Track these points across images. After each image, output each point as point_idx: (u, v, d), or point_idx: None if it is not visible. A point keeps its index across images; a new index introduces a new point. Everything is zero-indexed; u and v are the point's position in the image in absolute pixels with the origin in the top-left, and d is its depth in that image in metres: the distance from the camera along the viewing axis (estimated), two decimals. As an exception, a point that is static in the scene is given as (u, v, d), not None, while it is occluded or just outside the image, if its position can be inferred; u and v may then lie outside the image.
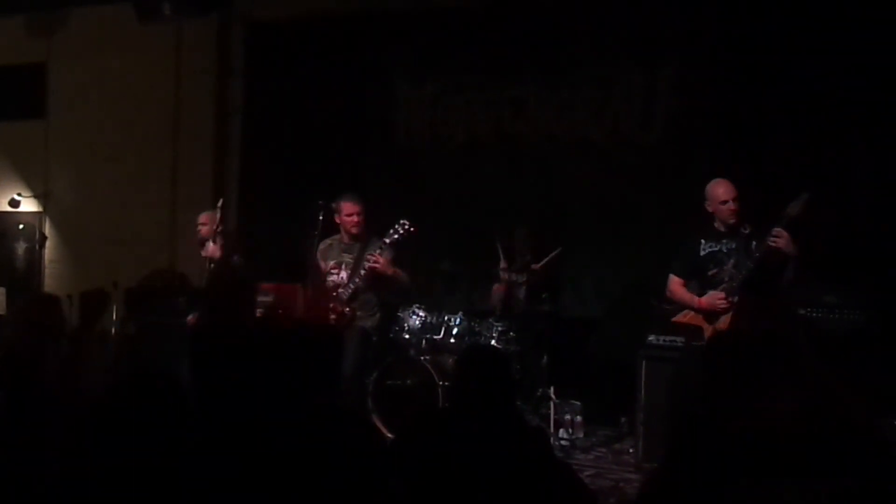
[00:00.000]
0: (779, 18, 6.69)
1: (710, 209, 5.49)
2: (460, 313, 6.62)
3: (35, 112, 9.75)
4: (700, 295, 5.48)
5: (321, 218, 6.38)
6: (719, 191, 5.45)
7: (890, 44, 6.25)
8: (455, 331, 6.56)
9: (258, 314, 6.18)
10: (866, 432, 2.28)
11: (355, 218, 6.31)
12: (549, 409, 6.54)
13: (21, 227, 9.88)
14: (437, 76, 8.07)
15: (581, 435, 6.61)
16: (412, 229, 6.16)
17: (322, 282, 6.35)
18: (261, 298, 6.56)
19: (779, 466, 1.90)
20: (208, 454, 2.54)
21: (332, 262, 6.40)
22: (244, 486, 2.57)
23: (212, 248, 6.73)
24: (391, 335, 6.67)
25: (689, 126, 7.09)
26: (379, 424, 5.97)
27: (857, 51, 6.35)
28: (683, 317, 5.59)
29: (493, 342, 6.47)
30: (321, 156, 8.32)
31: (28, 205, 9.77)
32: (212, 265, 6.68)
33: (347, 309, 6.22)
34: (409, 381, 6.25)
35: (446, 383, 5.95)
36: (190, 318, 6.45)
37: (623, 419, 6.68)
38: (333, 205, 6.41)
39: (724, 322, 5.35)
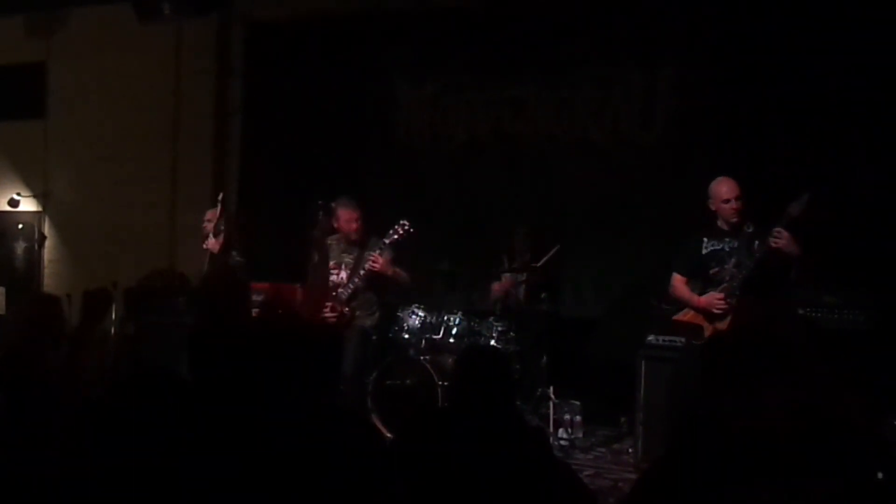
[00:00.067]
0: (778, 18, 6.69)
1: (712, 208, 5.47)
2: (460, 313, 6.62)
3: (35, 112, 9.75)
4: (701, 293, 5.48)
5: (321, 217, 6.39)
6: (722, 189, 5.42)
7: (890, 43, 6.25)
8: (454, 331, 6.56)
9: (254, 314, 6.19)
10: (864, 432, 2.27)
11: (353, 224, 6.33)
12: (549, 408, 6.54)
13: (20, 226, 9.88)
14: (437, 76, 8.07)
15: (580, 435, 6.61)
16: (412, 230, 6.16)
17: (324, 280, 6.34)
18: (254, 298, 6.56)
19: (775, 466, 1.90)
20: (208, 454, 2.53)
21: (331, 263, 6.40)
22: (244, 486, 2.57)
23: (212, 243, 6.74)
24: (391, 335, 6.67)
25: (688, 126, 7.10)
26: (378, 424, 5.96)
27: (857, 50, 6.35)
28: (684, 315, 5.59)
29: (492, 342, 6.47)
30: (321, 156, 8.33)
31: (27, 204, 9.78)
32: (210, 261, 6.68)
33: (347, 309, 6.23)
34: (408, 381, 6.25)
35: (446, 383, 5.94)
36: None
37: (623, 419, 6.68)
38: (333, 204, 6.41)
39: (725, 322, 5.35)
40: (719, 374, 2.04)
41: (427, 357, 6.34)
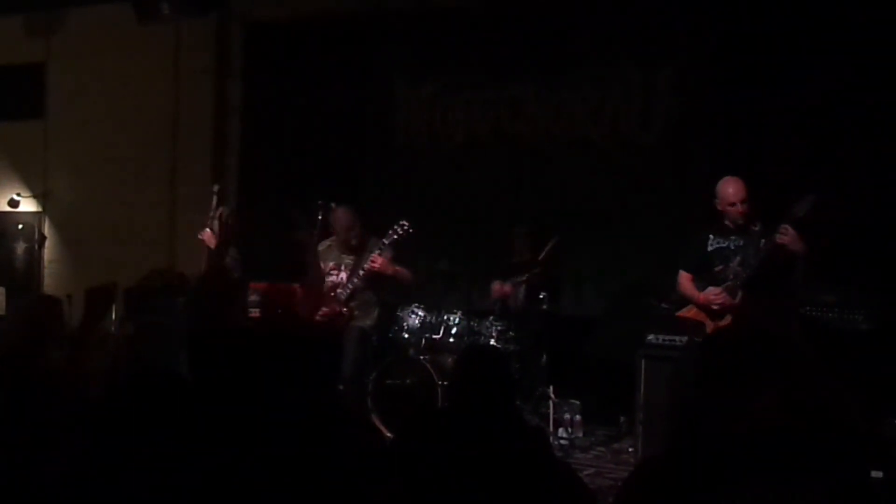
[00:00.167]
0: (778, 18, 6.69)
1: (718, 208, 5.46)
2: (459, 313, 6.62)
3: (34, 112, 9.74)
4: (707, 289, 5.48)
5: (320, 218, 6.39)
6: (728, 191, 5.38)
7: (890, 43, 6.25)
8: (454, 330, 6.56)
9: (252, 314, 6.20)
10: (861, 432, 2.27)
11: (352, 241, 6.34)
12: (549, 408, 6.55)
13: (20, 227, 9.87)
14: (436, 76, 8.08)
15: (580, 434, 6.62)
16: (411, 230, 6.17)
17: (319, 280, 6.35)
18: (252, 298, 6.56)
19: (772, 465, 1.90)
20: (207, 455, 2.54)
21: (331, 263, 6.41)
22: (243, 486, 2.57)
23: (207, 235, 6.73)
24: (390, 335, 6.67)
25: (687, 126, 7.10)
26: (378, 424, 5.97)
27: (857, 50, 6.36)
28: (687, 312, 5.60)
29: (492, 341, 6.48)
30: (320, 155, 8.33)
31: (27, 205, 9.77)
32: (207, 257, 6.68)
33: (345, 309, 6.23)
34: (408, 381, 6.25)
35: (445, 383, 5.94)
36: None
37: (622, 418, 6.68)
38: (333, 205, 6.42)
39: (727, 319, 5.35)
40: (717, 372, 2.03)
41: (427, 357, 6.34)
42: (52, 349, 3.62)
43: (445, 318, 6.59)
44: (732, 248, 5.42)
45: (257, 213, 8.45)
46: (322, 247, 6.45)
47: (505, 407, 3.08)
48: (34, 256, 9.76)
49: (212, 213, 6.78)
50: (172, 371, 2.66)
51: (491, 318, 6.72)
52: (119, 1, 8.77)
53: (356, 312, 6.31)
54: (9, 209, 9.72)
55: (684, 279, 5.63)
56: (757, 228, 5.36)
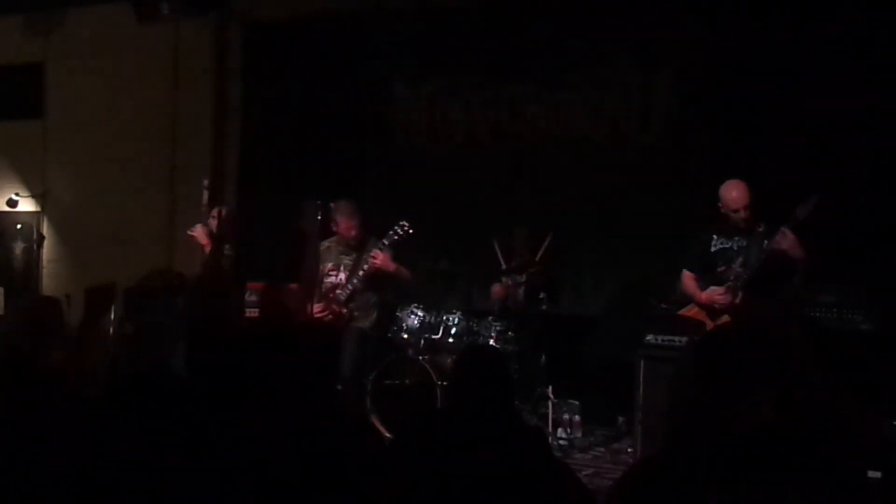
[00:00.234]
0: (777, 18, 6.69)
1: (722, 210, 5.44)
2: (458, 313, 6.62)
3: (33, 112, 9.74)
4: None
5: (319, 218, 6.38)
6: (732, 197, 5.36)
7: (889, 42, 6.25)
8: (453, 330, 6.56)
9: (250, 314, 6.19)
10: (858, 432, 2.28)
11: (353, 232, 6.33)
12: (548, 408, 6.54)
13: (19, 226, 9.87)
14: (436, 76, 8.08)
15: (579, 434, 6.62)
16: (411, 230, 6.16)
17: (313, 277, 6.34)
18: (248, 298, 6.56)
19: (768, 466, 1.90)
20: (206, 455, 2.54)
21: (330, 264, 6.41)
22: (242, 486, 2.57)
23: (199, 232, 6.72)
24: (389, 335, 6.67)
25: (686, 126, 7.10)
26: (377, 424, 5.97)
27: (856, 50, 6.36)
28: (688, 311, 5.60)
29: (491, 342, 6.47)
30: (319, 155, 8.32)
31: (26, 204, 9.77)
32: (201, 257, 6.68)
33: (345, 310, 6.23)
34: (407, 381, 6.25)
35: (445, 383, 5.95)
36: None
37: (621, 419, 6.68)
38: (332, 205, 6.41)
39: (725, 319, 5.36)
40: (712, 371, 2.03)
41: (426, 357, 6.34)
42: (51, 349, 3.62)
43: (445, 318, 6.59)
44: (735, 248, 5.42)
45: (257, 212, 8.45)
46: (321, 247, 6.45)
47: (504, 407, 3.08)
48: (33, 256, 9.76)
49: (203, 209, 6.75)
50: (169, 370, 2.66)
51: (490, 318, 6.72)
52: (119, 1, 8.77)
53: (356, 313, 6.30)
54: (7, 209, 9.72)
55: (688, 278, 5.63)
56: (761, 229, 5.34)
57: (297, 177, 8.30)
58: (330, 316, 6.19)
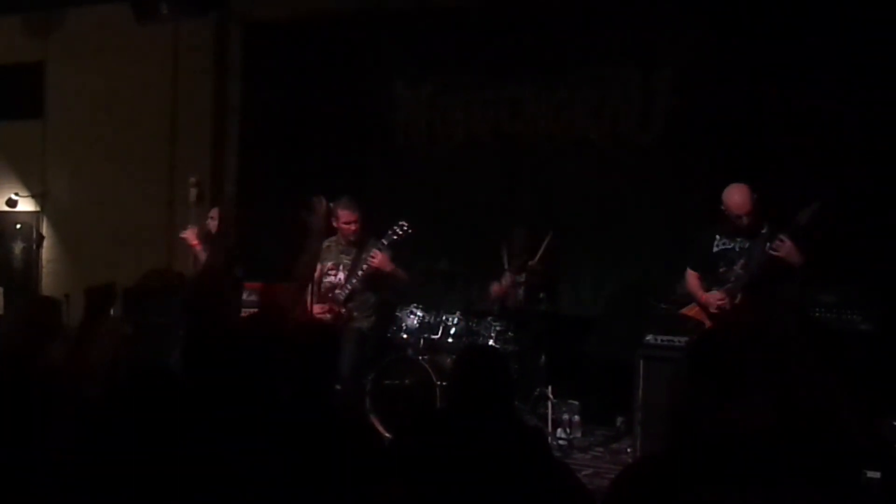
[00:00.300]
0: (776, 17, 6.69)
1: (724, 213, 5.42)
2: (458, 313, 6.62)
3: (33, 112, 9.74)
4: (710, 290, 5.47)
5: (323, 213, 6.36)
6: (734, 202, 5.33)
7: (888, 42, 6.25)
8: (453, 330, 6.56)
9: (246, 314, 6.18)
10: (855, 432, 2.27)
11: (353, 227, 6.31)
12: (547, 408, 6.54)
13: (18, 226, 9.88)
14: (436, 76, 8.07)
15: (579, 434, 6.62)
16: (410, 230, 6.16)
17: (307, 276, 6.32)
18: (247, 298, 6.55)
19: (764, 467, 1.89)
20: (205, 454, 2.53)
21: (329, 264, 6.40)
22: (242, 486, 2.57)
23: (189, 234, 6.72)
24: (389, 335, 6.66)
25: (687, 126, 7.09)
26: (377, 424, 5.97)
27: (856, 50, 6.36)
28: (689, 310, 5.60)
29: (490, 342, 6.47)
30: (319, 155, 8.33)
31: (25, 204, 9.77)
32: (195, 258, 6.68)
33: (344, 309, 6.23)
34: (407, 381, 6.24)
35: (444, 383, 5.94)
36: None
37: (620, 419, 6.68)
38: (332, 204, 6.40)
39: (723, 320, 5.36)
40: (707, 372, 2.03)
41: (425, 357, 6.34)
42: (51, 349, 3.62)
43: (444, 318, 6.59)
44: (737, 250, 5.41)
45: (256, 212, 8.45)
46: (321, 247, 6.43)
47: (503, 407, 3.08)
48: (32, 256, 9.76)
49: (192, 208, 6.74)
50: (170, 371, 2.65)
51: (490, 318, 6.71)
52: (118, 1, 8.77)
53: (355, 314, 6.30)
54: (7, 209, 9.72)
55: (692, 277, 5.63)
56: (764, 231, 5.32)
57: (296, 176, 8.30)
58: (329, 315, 6.19)
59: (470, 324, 6.60)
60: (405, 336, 6.60)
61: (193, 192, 6.79)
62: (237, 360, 2.98)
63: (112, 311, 6.97)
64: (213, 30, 9.01)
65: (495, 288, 7.02)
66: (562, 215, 7.45)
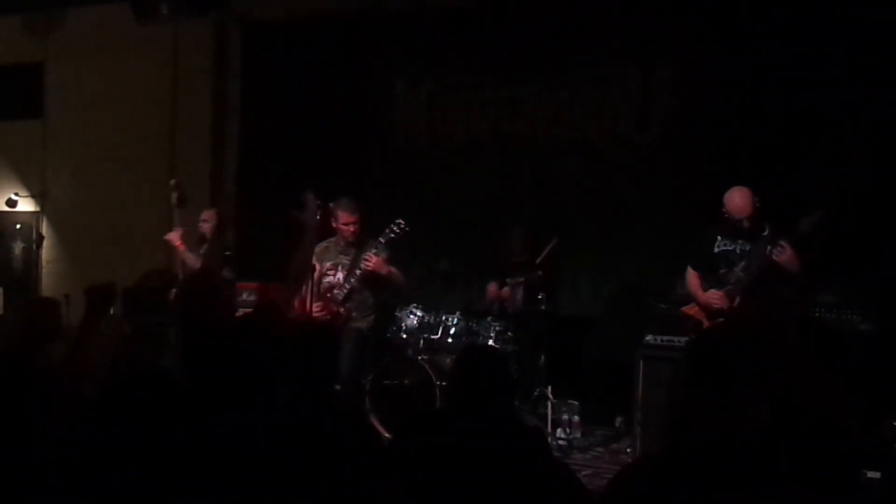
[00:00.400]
0: (775, 17, 6.69)
1: (725, 215, 5.41)
2: (458, 313, 6.62)
3: (32, 112, 9.75)
4: (710, 290, 5.47)
5: (319, 212, 6.37)
6: (735, 205, 5.30)
7: (888, 42, 6.25)
8: (453, 330, 6.56)
9: (243, 314, 6.17)
10: (853, 433, 2.27)
11: (352, 227, 6.31)
12: (547, 408, 6.54)
13: (18, 226, 9.88)
14: (435, 76, 8.07)
15: (578, 435, 6.62)
16: (407, 228, 6.15)
17: (302, 274, 6.32)
18: (246, 298, 6.54)
19: (762, 469, 1.89)
20: (204, 454, 2.53)
21: (328, 264, 6.40)
22: (241, 486, 2.56)
23: (174, 236, 6.71)
24: (388, 335, 6.66)
25: (686, 126, 7.10)
26: (376, 424, 5.97)
27: (855, 50, 6.36)
28: (690, 308, 5.59)
29: (490, 342, 6.47)
30: (319, 155, 8.32)
31: (25, 204, 9.77)
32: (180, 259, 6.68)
33: (343, 309, 6.23)
34: (406, 381, 6.24)
35: (444, 383, 5.94)
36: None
37: (620, 419, 6.68)
38: (331, 205, 6.40)
39: (720, 320, 5.35)
40: (706, 372, 2.02)
41: (425, 357, 6.34)
42: (51, 349, 3.62)
43: (444, 318, 6.59)
44: (738, 252, 5.39)
45: (256, 212, 8.45)
46: (319, 248, 6.44)
47: (503, 407, 3.07)
48: (32, 256, 9.76)
49: (174, 210, 6.73)
50: (169, 371, 2.65)
51: (489, 318, 6.71)
52: (118, 1, 8.77)
53: (354, 314, 6.30)
54: (7, 209, 9.72)
55: (692, 277, 5.62)
56: (765, 233, 5.31)
57: (295, 176, 8.29)
58: (328, 315, 6.19)
59: (470, 324, 6.59)
60: (405, 336, 6.60)
61: (174, 195, 6.77)
62: (231, 359, 2.98)
63: (112, 311, 6.99)
64: (213, 30, 9.01)
65: (492, 289, 7.02)
66: (561, 215, 7.46)
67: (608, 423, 6.85)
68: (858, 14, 6.35)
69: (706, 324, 5.43)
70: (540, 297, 6.77)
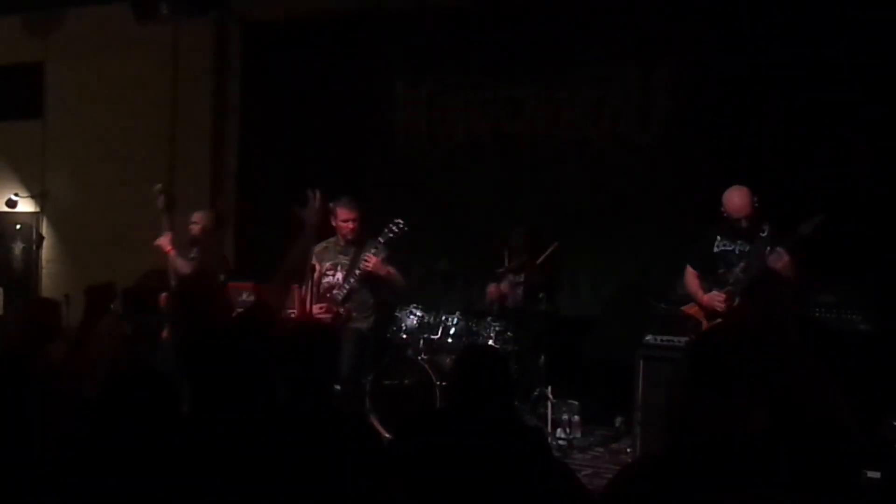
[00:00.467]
0: (775, 16, 6.69)
1: (724, 215, 5.40)
2: (458, 313, 6.61)
3: (32, 112, 9.75)
4: (710, 290, 5.47)
5: (319, 216, 6.36)
6: (734, 204, 5.29)
7: (888, 42, 6.25)
8: (452, 330, 6.56)
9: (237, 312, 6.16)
10: (853, 433, 2.27)
11: (350, 224, 6.29)
12: (547, 408, 6.54)
13: (18, 227, 9.88)
14: (435, 76, 8.08)
15: (578, 434, 6.61)
16: (406, 228, 6.15)
17: (295, 273, 6.31)
18: (244, 298, 6.53)
19: (761, 470, 1.89)
20: (204, 454, 2.53)
21: (328, 264, 6.39)
22: (241, 486, 2.56)
23: (164, 240, 6.70)
24: (388, 335, 6.66)
25: (685, 125, 7.10)
26: (377, 424, 5.97)
27: (855, 50, 6.36)
28: (690, 308, 5.59)
29: (490, 342, 6.47)
30: (319, 155, 8.32)
31: (25, 205, 9.77)
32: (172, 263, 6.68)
33: (342, 309, 6.22)
34: (406, 381, 6.24)
35: (444, 383, 5.94)
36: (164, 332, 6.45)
37: (620, 419, 6.68)
38: (331, 204, 6.40)
39: (719, 321, 5.35)
40: (706, 373, 2.02)
41: (425, 357, 6.34)
42: (50, 349, 3.62)
43: (444, 318, 6.58)
44: (737, 252, 5.39)
45: (256, 212, 8.45)
46: (319, 248, 6.43)
47: (503, 407, 3.07)
48: (32, 256, 9.76)
49: (162, 214, 6.71)
50: (168, 371, 2.65)
51: (489, 318, 6.71)
52: (118, 1, 8.77)
53: (354, 314, 6.30)
54: (7, 209, 9.72)
55: (691, 276, 5.62)
56: (765, 234, 5.30)
57: (296, 176, 8.28)
58: (328, 315, 6.18)
59: (470, 324, 6.59)
60: (405, 336, 6.59)
61: (161, 198, 6.74)
62: (228, 360, 2.97)
63: (112, 311, 6.99)
64: (213, 30, 9.01)
65: (492, 289, 7.02)
66: (561, 215, 7.46)
67: (608, 423, 6.85)
68: (858, 14, 6.35)
69: (705, 323, 5.42)
70: (540, 297, 6.77)
